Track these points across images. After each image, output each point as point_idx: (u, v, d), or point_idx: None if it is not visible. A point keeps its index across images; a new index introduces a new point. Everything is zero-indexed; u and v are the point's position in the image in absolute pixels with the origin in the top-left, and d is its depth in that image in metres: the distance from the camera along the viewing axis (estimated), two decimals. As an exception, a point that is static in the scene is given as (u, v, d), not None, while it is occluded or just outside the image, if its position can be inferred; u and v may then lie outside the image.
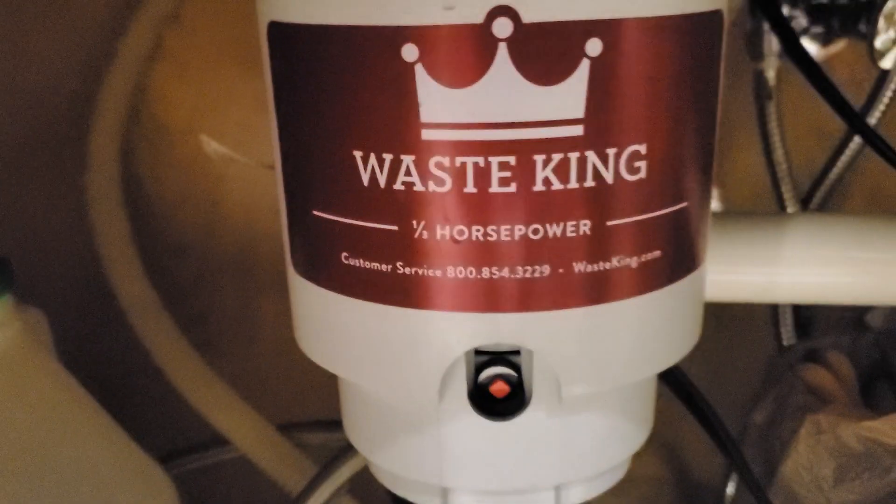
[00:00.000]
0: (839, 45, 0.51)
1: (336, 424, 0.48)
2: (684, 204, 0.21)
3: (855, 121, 0.36)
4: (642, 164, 0.20)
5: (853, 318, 0.53)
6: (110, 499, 0.37)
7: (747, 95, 0.52)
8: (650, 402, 0.26)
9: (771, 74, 0.51)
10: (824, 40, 0.51)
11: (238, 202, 0.53)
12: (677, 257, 0.22)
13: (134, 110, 0.50)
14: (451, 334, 0.21)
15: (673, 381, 0.34)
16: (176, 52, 0.50)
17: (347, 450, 0.42)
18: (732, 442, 0.37)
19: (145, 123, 0.51)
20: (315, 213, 0.21)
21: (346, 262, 0.21)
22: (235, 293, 0.54)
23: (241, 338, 0.55)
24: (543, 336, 0.21)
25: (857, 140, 0.51)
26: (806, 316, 0.53)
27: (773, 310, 0.54)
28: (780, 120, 0.51)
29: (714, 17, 0.21)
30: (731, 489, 0.58)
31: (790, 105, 0.52)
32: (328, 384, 0.53)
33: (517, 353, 0.22)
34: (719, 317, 0.56)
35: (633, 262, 0.21)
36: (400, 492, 0.26)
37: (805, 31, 0.51)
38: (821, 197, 0.53)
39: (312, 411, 0.52)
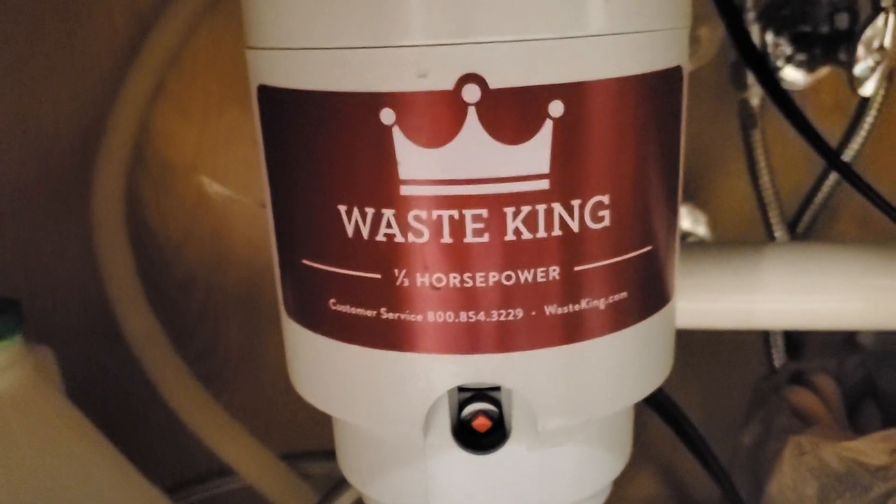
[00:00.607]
0: (824, 71, 0.53)
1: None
2: (649, 247, 0.23)
3: (830, 157, 0.38)
4: (606, 213, 0.21)
5: (844, 337, 0.54)
6: None
7: (733, 124, 0.53)
8: (627, 432, 0.27)
9: (755, 102, 0.52)
10: (809, 67, 0.53)
11: (242, 237, 0.54)
12: (645, 296, 0.23)
13: (138, 150, 0.52)
14: (434, 374, 0.22)
15: (661, 407, 0.35)
16: (178, 93, 0.52)
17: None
18: (719, 465, 0.38)
19: (149, 163, 0.52)
20: (304, 261, 0.23)
21: (333, 307, 0.23)
22: (240, 327, 0.56)
23: (246, 371, 0.56)
24: (520, 374, 0.22)
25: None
26: (797, 338, 0.55)
27: (765, 333, 0.55)
28: (765, 147, 0.53)
29: (674, 73, 0.22)
30: None
31: (776, 132, 0.53)
32: (329, 416, 0.55)
33: (498, 388, 0.23)
34: (712, 341, 0.57)
35: (602, 303, 0.22)
36: (394, 523, 0.27)
37: (790, 59, 0.52)
38: (808, 221, 0.54)
39: (316, 442, 0.52)
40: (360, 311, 0.22)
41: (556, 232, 0.21)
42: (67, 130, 0.52)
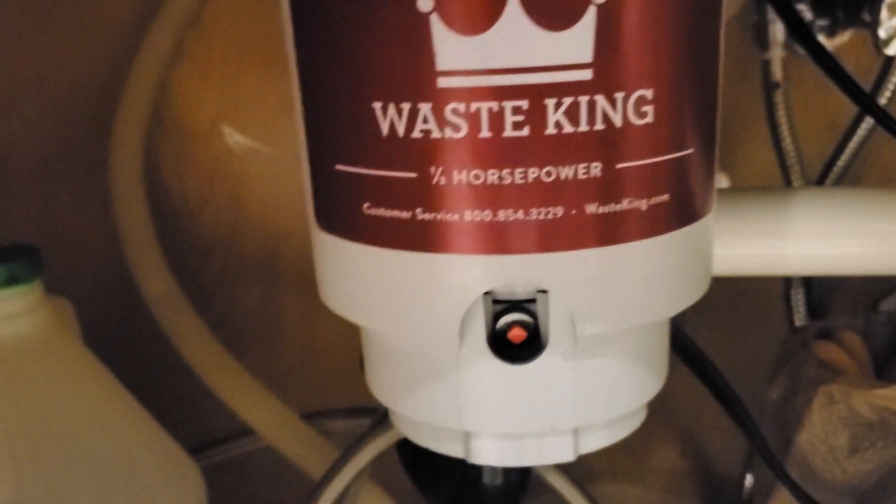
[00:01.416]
0: (844, 37, 0.52)
1: (358, 412, 0.49)
2: (690, 150, 0.22)
3: (864, 100, 0.37)
4: (649, 109, 0.21)
5: (866, 304, 0.54)
6: (141, 480, 0.38)
7: (755, 88, 0.53)
8: (663, 353, 0.27)
9: (777, 64, 0.52)
10: (829, 32, 0.52)
11: (260, 202, 0.54)
12: (684, 203, 0.23)
13: (156, 112, 0.52)
14: (471, 276, 0.22)
15: (689, 356, 0.34)
16: (197, 55, 0.51)
17: (369, 434, 0.43)
18: (748, 413, 0.37)
19: (168, 125, 0.52)
20: (337, 166, 0.23)
21: (367, 212, 0.22)
22: (259, 292, 0.56)
23: (265, 336, 0.56)
24: (559, 276, 0.22)
25: (865, 127, 0.52)
26: (818, 300, 0.54)
27: (786, 294, 0.54)
28: (788, 109, 0.52)
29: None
30: (749, 481, 0.58)
31: (799, 96, 0.53)
32: (349, 378, 0.54)
33: (533, 300, 0.23)
34: (734, 302, 0.56)
35: (643, 204, 0.22)
36: (423, 441, 0.27)
37: (811, 25, 0.52)
38: (830, 184, 0.54)
39: (334, 405, 0.53)
40: (395, 213, 0.22)
41: (599, 126, 0.21)
42: (85, 91, 0.52)
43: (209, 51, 0.51)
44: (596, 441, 0.26)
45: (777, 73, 0.52)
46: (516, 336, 0.23)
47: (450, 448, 0.26)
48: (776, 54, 0.52)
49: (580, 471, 0.46)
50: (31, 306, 0.37)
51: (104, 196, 0.51)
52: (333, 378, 0.56)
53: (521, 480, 0.42)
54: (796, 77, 0.52)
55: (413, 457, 0.44)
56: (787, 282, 0.55)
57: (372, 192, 0.22)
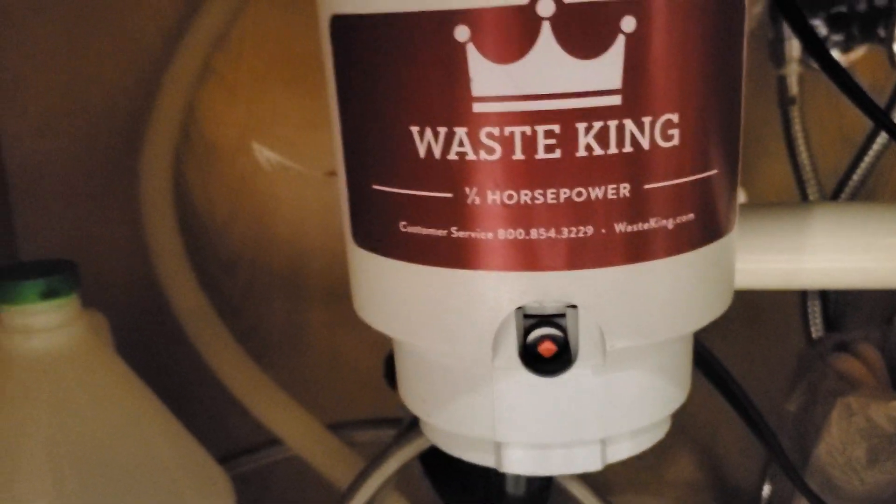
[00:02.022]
0: (859, 53, 0.53)
1: (383, 423, 0.50)
2: (714, 171, 0.23)
3: (879, 115, 0.38)
4: (675, 132, 0.22)
5: (882, 318, 0.54)
6: (174, 488, 0.38)
7: (771, 104, 0.53)
8: (687, 366, 0.28)
9: (793, 80, 0.52)
10: (844, 48, 0.53)
11: (285, 218, 0.55)
12: (709, 221, 0.24)
13: (184, 130, 0.53)
14: (503, 292, 0.23)
15: (709, 369, 0.35)
16: (224, 74, 0.53)
17: (394, 444, 0.43)
18: (767, 425, 0.38)
19: (195, 143, 0.53)
20: (375, 186, 0.24)
21: (404, 230, 0.23)
22: (284, 306, 0.57)
23: (290, 349, 0.57)
24: (588, 292, 0.23)
25: (880, 142, 0.52)
26: (835, 314, 0.55)
27: (803, 308, 0.55)
28: (803, 124, 0.53)
29: (737, -4, 0.23)
30: (766, 491, 0.58)
31: (814, 111, 0.54)
32: (373, 390, 0.55)
33: (563, 315, 0.24)
34: (751, 316, 0.57)
35: (669, 223, 0.23)
36: (454, 451, 0.28)
37: (826, 41, 0.52)
38: (846, 199, 0.54)
39: (358, 417, 0.53)
40: (430, 231, 0.23)
41: (627, 149, 0.22)
42: (116, 111, 0.53)
43: (236, 70, 0.53)
44: (622, 451, 0.27)
45: (793, 88, 0.53)
46: (547, 350, 0.24)
47: (481, 457, 0.27)
48: (792, 70, 0.53)
49: (598, 482, 0.46)
50: (69, 319, 0.38)
51: (134, 212, 0.52)
52: (357, 390, 0.57)
53: (543, 490, 0.43)
54: (812, 92, 0.53)
55: (437, 467, 0.45)
56: (803, 295, 0.56)
57: (408, 211, 0.23)
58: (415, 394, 0.27)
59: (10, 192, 0.54)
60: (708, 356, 0.37)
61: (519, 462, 0.26)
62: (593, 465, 0.26)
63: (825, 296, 0.55)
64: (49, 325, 0.37)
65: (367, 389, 0.55)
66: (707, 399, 0.60)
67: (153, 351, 0.54)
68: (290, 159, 0.54)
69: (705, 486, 0.63)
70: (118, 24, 0.52)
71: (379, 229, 0.24)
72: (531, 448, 0.26)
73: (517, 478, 0.41)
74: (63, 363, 0.38)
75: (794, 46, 0.52)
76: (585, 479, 0.46)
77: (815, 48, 0.38)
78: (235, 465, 0.51)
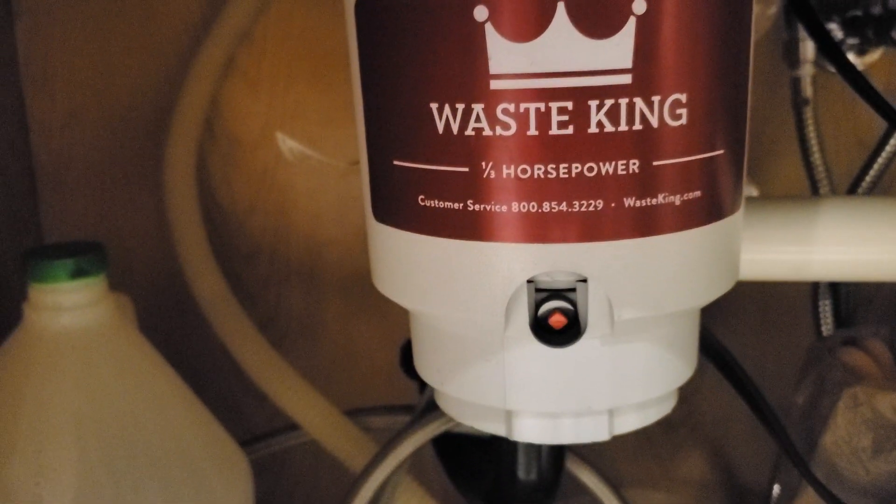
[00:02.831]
0: (874, 56, 0.53)
1: (398, 409, 0.51)
2: (721, 151, 0.24)
3: (893, 117, 0.38)
4: (683, 112, 0.23)
5: (893, 314, 0.55)
6: (196, 466, 0.39)
7: (785, 105, 0.54)
8: (693, 342, 0.28)
9: (807, 81, 0.53)
10: (859, 51, 0.54)
11: (305, 211, 0.56)
12: (715, 200, 0.25)
13: (208, 123, 0.54)
14: (516, 263, 0.24)
15: (719, 360, 0.36)
16: (248, 69, 0.54)
17: (408, 429, 0.44)
18: (774, 414, 0.38)
19: (218, 136, 0.54)
20: (395, 162, 0.25)
21: (422, 203, 0.24)
22: (301, 296, 0.57)
23: (306, 338, 0.58)
24: (598, 264, 0.24)
25: (893, 143, 0.53)
26: (846, 311, 0.55)
27: (814, 305, 0.55)
28: (817, 125, 0.54)
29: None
30: (776, 491, 0.58)
31: (828, 113, 0.54)
32: (386, 381, 0.56)
33: (573, 290, 0.25)
34: (762, 312, 0.58)
35: (677, 199, 0.24)
36: (467, 420, 0.29)
37: (841, 44, 0.53)
38: (859, 200, 0.55)
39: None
40: (447, 204, 0.24)
41: (637, 126, 0.23)
42: (142, 104, 0.54)
43: (259, 65, 0.54)
44: (628, 423, 0.27)
45: (807, 89, 0.53)
46: (557, 322, 0.25)
47: (492, 426, 0.28)
48: (806, 71, 0.53)
49: (608, 476, 0.47)
50: (97, 298, 0.39)
51: (157, 202, 0.53)
52: (372, 381, 0.58)
53: (554, 476, 0.44)
54: (826, 94, 0.53)
55: (450, 452, 0.46)
56: (814, 292, 0.56)
57: (426, 185, 0.24)
58: (430, 364, 0.28)
59: (38, 181, 0.55)
60: (719, 348, 0.38)
61: (529, 430, 0.27)
62: (601, 434, 0.27)
63: (836, 295, 0.56)
64: (77, 303, 0.38)
65: (382, 380, 0.57)
66: (718, 397, 0.61)
67: (172, 338, 0.55)
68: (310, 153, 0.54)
69: (715, 484, 0.64)
70: (145, 17, 0.53)
71: (398, 203, 0.25)
72: (541, 417, 0.27)
73: (528, 463, 0.42)
74: (90, 341, 0.39)
75: (808, 48, 0.53)
76: (597, 469, 0.47)
77: (830, 50, 0.39)
78: (249, 451, 0.51)
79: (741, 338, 0.57)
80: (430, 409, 0.44)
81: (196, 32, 0.53)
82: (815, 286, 0.56)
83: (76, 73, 0.54)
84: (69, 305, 0.38)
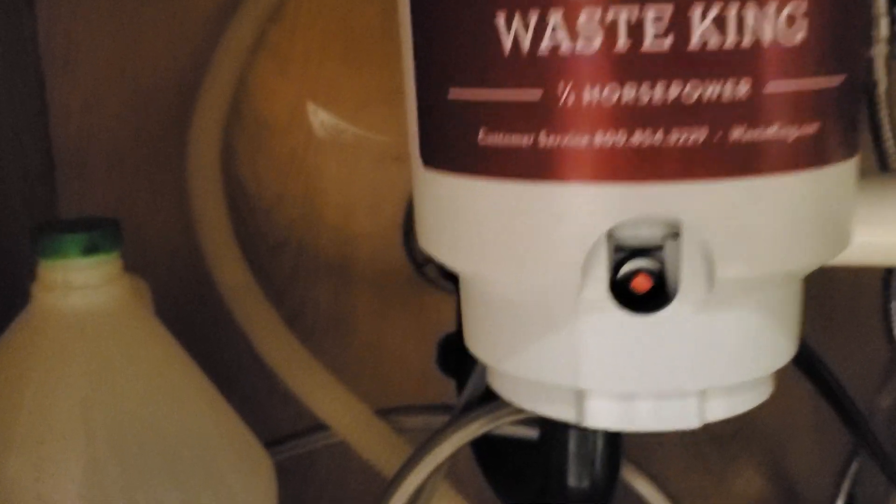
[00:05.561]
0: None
1: (435, 409, 0.48)
2: (843, 76, 0.20)
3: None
4: (803, 24, 0.19)
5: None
6: (214, 463, 0.36)
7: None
8: (795, 317, 0.24)
9: (881, 62, 0.49)
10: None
11: (335, 200, 0.53)
12: (832, 137, 0.21)
13: (235, 105, 0.51)
14: (597, 209, 0.20)
15: (803, 361, 0.32)
16: (278, 48, 0.51)
17: (445, 429, 0.41)
18: (863, 418, 0.34)
19: (246, 119, 0.52)
20: (451, 91, 0.21)
21: (483, 140, 0.21)
22: (330, 291, 0.55)
23: (335, 335, 0.55)
24: (695, 209, 0.20)
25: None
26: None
27: (885, 313, 0.51)
28: (890, 109, 0.50)
29: None
30: None
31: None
32: (419, 381, 0.53)
33: (659, 248, 0.21)
34: (828, 318, 0.54)
35: (791, 132, 0.20)
36: (528, 404, 0.24)
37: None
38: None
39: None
40: (514, 139, 0.20)
41: (748, 41, 0.19)
42: (166, 85, 0.52)
43: (290, 44, 0.51)
44: (717, 410, 0.23)
45: (880, 70, 0.49)
46: (640, 285, 0.21)
47: (558, 410, 0.24)
48: (879, 52, 0.49)
49: (657, 487, 0.45)
50: (110, 278, 0.36)
51: (180, 188, 0.50)
52: (404, 382, 0.56)
53: (609, 485, 0.40)
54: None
55: (491, 456, 0.43)
56: (885, 296, 0.52)
57: (489, 116, 0.20)
58: (485, 339, 0.24)
59: (56, 166, 0.53)
60: (806, 350, 0.34)
61: (603, 414, 0.23)
62: (690, 421, 0.22)
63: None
64: (89, 281, 0.35)
65: (415, 380, 0.55)
66: (778, 406, 0.57)
67: (193, 331, 0.52)
68: (342, 138, 0.52)
69: (772, 499, 0.60)
70: (172, -4, 0.51)
71: (453, 143, 0.21)
72: (618, 398, 0.22)
73: (581, 469, 0.38)
74: (102, 323, 0.36)
75: (882, 25, 0.49)
76: (655, 480, 0.43)
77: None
78: (275, 453, 0.48)
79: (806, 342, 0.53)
80: (471, 408, 0.41)
81: (225, 9, 0.51)
82: (885, 286, 0.52)
83: (98, 52, 0.52)
84: (80, 284, 0.35)
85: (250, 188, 0.53)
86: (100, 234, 0.36)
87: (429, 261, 0.54)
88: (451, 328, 0.45)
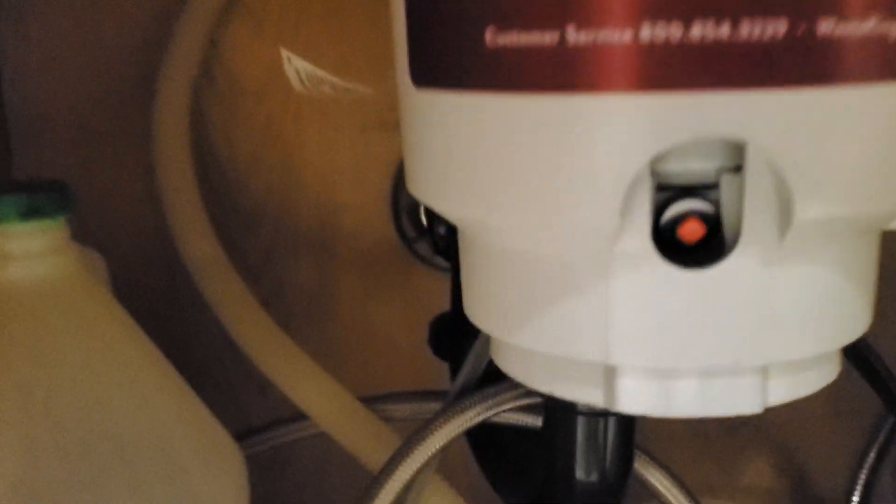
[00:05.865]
0: None
1: (426, 395, 0.45)
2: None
3: None
4: None
5: None
6: (174, 456, 0.33)
7: None
8: (874, 277, 0.20)
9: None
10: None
11: (316, 170, 0.51)
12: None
13: (207, 68, 0.49)
14: (640, 127, 0.15)
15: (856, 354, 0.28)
16: (253, 6, 0.49)
17: (436, 418, 0.37)
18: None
19: (218, 82, 0.50)
20: (453, -15, 0.16)
21: (492, 43, 0.16)
22: (311, 269, 0.53)
23: (317, 318, 0.53)
24: (767, 125, 0.15)
25: None
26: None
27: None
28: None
29: None
30: (856, 501, 0.54)
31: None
32: (409, 366, 0.51)
33: (714, 186, 0.17)
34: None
35: (893, 30, 0.15)
36: (543, 385, 0.20)
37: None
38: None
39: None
40: (533, 37, 0.15)
41: None
42: (131, 46, 0.50)
43: (266, 3, 0.49)
44: (777, 393, 0.19)
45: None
46: (690, 232, 0.17)
47: (583, 392, 0.19)
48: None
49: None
50: (55, 246, 0.33)
51: (145, 157, 0.48)
52: (392, 367, 0.54)
53: (621, 478, 0.36)
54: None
55: (489, 446, 0.41)
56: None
57: (498, 9, 0.16)
58: (492, 306, 0.20)
59: (11, 131, 0.51)
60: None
61: (639, 396, 0.18)
62: (750, 405, 0.18)
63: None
64: (30, 250, 0.32)
65: (403, 365, 0.53)
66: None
67: (160, 314, 0.51)
68: (323, 103, 0.49)
69: (785, 493, 0.58)
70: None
71: (454, 49, 0.17)
72: (658, 377, 0.18)
73: (590, 460, 0.35)
74: (46, 298, 0.33)
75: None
76: (671, 473, 0.40)
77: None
78: (248, 445, 0.46)
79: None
80: (466, 394, 0.38)
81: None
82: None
83: (57, 8, 0.49)
84: (19, 253, 0.32)
85: (223, 157, 0.51)
86: (43, 196, 0.33)
87: (420, 235, 0.51)
88: (444, 309, 0.43)
